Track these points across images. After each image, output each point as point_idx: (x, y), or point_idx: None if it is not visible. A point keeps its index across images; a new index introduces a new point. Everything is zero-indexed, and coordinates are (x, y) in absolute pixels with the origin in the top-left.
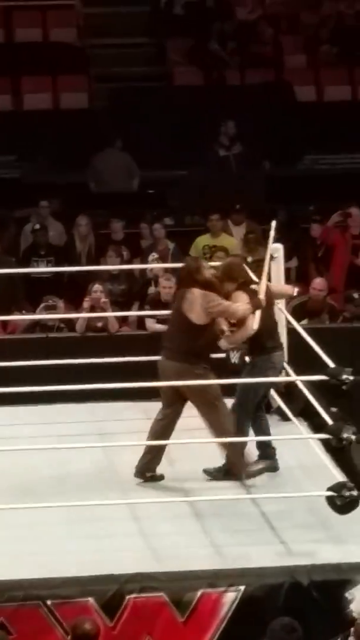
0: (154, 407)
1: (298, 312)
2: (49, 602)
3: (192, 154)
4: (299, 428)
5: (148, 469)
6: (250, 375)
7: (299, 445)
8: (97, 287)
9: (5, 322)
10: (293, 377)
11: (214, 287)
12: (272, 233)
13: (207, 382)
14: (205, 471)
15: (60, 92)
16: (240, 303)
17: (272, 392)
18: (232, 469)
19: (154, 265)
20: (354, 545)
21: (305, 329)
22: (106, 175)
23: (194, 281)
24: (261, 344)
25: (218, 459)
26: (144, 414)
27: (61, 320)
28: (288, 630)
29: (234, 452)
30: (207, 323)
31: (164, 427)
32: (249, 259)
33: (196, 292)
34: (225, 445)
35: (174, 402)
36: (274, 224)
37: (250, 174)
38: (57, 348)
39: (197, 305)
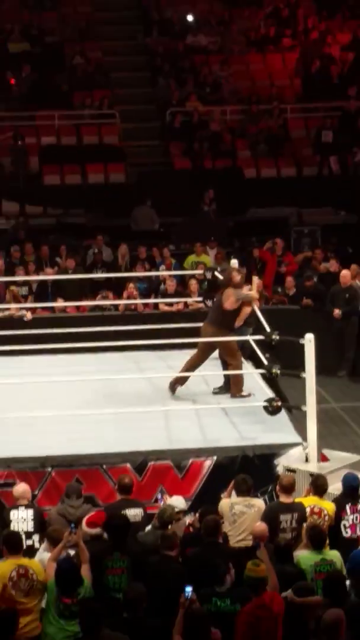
0: (167, 355)
1: None
2: (104, 466)
3: (186, 209)
4: (248, 366)
5: (180, 384)
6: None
7: (248, 376)
8: (131, 285)
9: (79, 306)
10: (247, 337)
11: (239, 286)
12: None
13: (220, 339)
14: (214, 389)
15: (109, 172)
16: (251, 292)
17: None
18: (233, 390)
19: (163, 273)
20: (278, 434)
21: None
22: (140, 220)
23: (229, 285)
24: (246, 319)
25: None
26: (160, 358)
27: (111, 304)
28: (245, 480)
29: (237, 381)
30: (233, 309)
31: (196, 363)
32: (219, 268)
33: (229, 291)
34: (234, 376)
35: (208, 348)
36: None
37: (219, 221)
38: (108, 320)
39: (230, 296)
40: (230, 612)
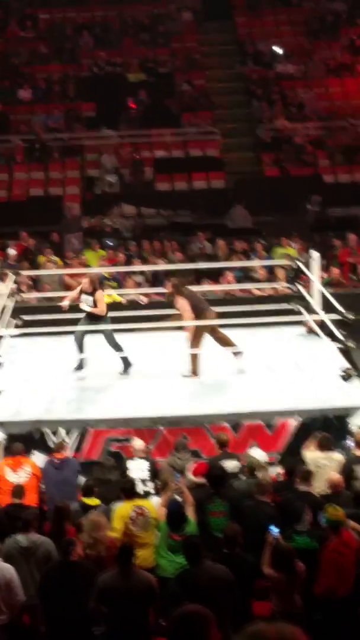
0: (256, 331)
1: (326, 284)
2: (207, 426)
3: (276, 209)
4: (326, 340)
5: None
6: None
7: (326, 349)
8: (228, 272)
9: None
10: (323, 316)
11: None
12: None
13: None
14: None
15: (211, 179)
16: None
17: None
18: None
19: (256, 263)
20: (352, 397)
21: (330, 294)
22: (236, 219)
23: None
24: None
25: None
26: (251, 334)
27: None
28: (326, 437)
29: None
30: None
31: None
32: (302, 259)
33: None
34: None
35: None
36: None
37: (302, 217)
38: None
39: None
40: (308, 548)
